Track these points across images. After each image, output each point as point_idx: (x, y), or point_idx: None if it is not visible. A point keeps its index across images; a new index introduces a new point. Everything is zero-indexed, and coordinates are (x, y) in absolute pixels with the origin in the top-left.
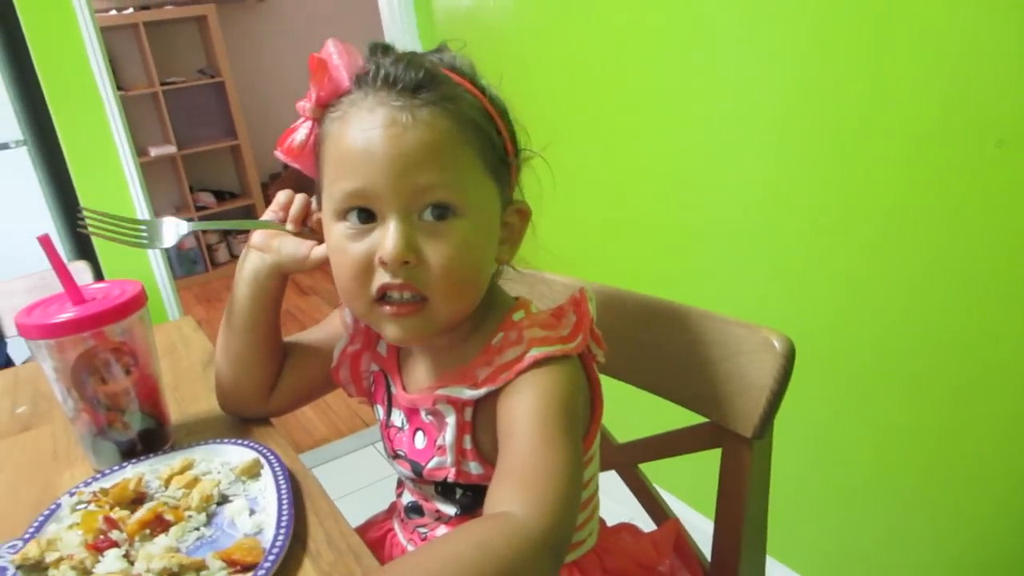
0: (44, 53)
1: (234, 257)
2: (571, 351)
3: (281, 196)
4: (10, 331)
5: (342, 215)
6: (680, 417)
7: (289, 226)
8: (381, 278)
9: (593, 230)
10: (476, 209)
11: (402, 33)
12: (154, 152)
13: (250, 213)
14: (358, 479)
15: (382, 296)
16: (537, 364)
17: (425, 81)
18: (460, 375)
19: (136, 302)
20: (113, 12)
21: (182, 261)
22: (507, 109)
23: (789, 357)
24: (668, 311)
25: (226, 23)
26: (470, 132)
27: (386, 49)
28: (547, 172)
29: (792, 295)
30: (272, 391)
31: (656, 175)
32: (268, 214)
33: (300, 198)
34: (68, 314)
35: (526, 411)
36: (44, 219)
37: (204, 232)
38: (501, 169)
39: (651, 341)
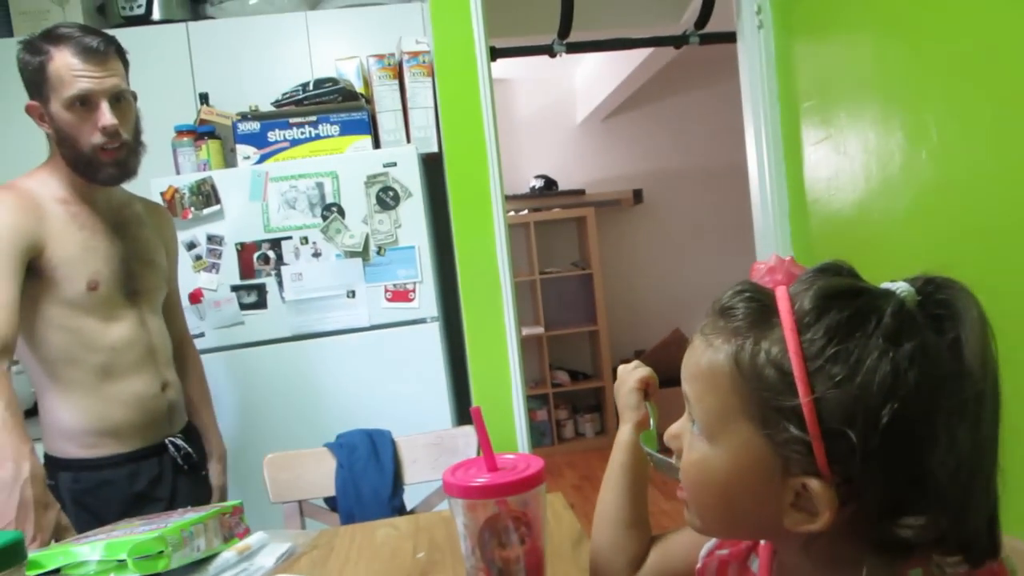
0: (465, 247)
1: (579, 434)
2: None
3: (641, 371)
4: (408, 479)
5: None
6: None
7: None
8: None
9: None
10: (726, 446)
11: (776, 244)
12: (526, 331)
13: (599, 394)
14: None
15: None
16: None
17: (731, 311)
18: None
19: (538, 477)
20: (512, 213)
21: (532, 432)
22: (861, 390)
23: None
24: None
25: (601, 223)
26: (739, 374)
27: (827, 271)
28: None
29: None
30: (637, 568)
31: None
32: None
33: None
34: (483, 479)
35: None
36: (441, 385)
37: (556, 407)
38: (781, 431)
39: None
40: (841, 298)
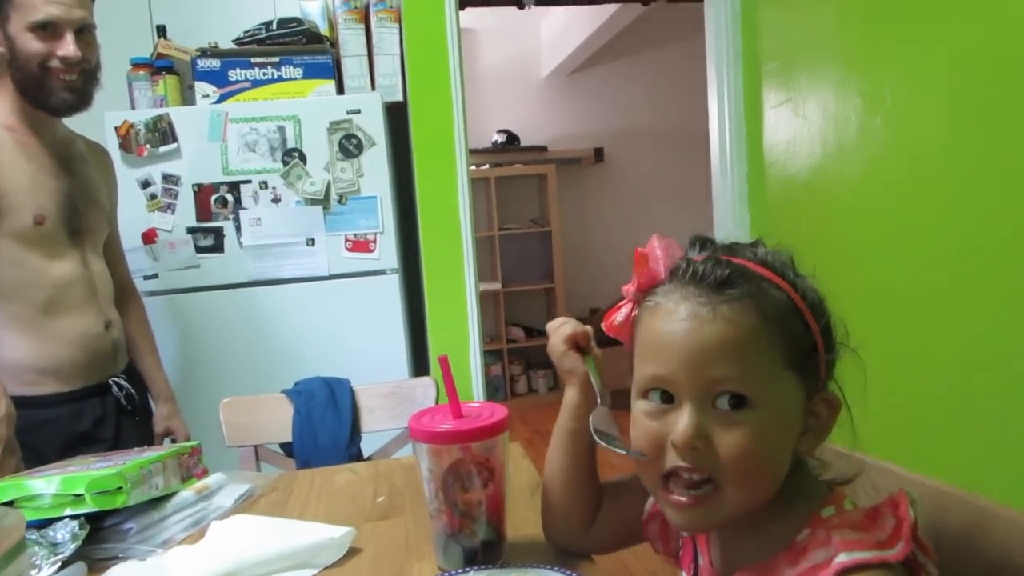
0: (427, 199)
1: (532, 390)
2: (890, 558)
3: (567, 327)
4: (365, 427)
5: (644, 393)
6: None
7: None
8: (672, 460)
9: (917, 421)
10: (773, 402)
11: (733, 206)
12: (483, 287)
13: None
14: None
15: (668, 477)
16: (848, 572)
17: (731, 278)
18: (764, 570)
19: (502, 425)
20: (473, 167)
21: (486, 387)
22: (822, 302)
23: None
24: (1014, 521)
25: (562, 180)
26: (771, 328)
27: (705, 243)
28: (872, 362)
29: None
30: (590, 525)
31: (984, 361)
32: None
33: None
34: (448, 425)
35: None
36: (399, 337)
37: (510, 362)
38: (807, 362)
39: (996, 553)
40: (782, 255)
